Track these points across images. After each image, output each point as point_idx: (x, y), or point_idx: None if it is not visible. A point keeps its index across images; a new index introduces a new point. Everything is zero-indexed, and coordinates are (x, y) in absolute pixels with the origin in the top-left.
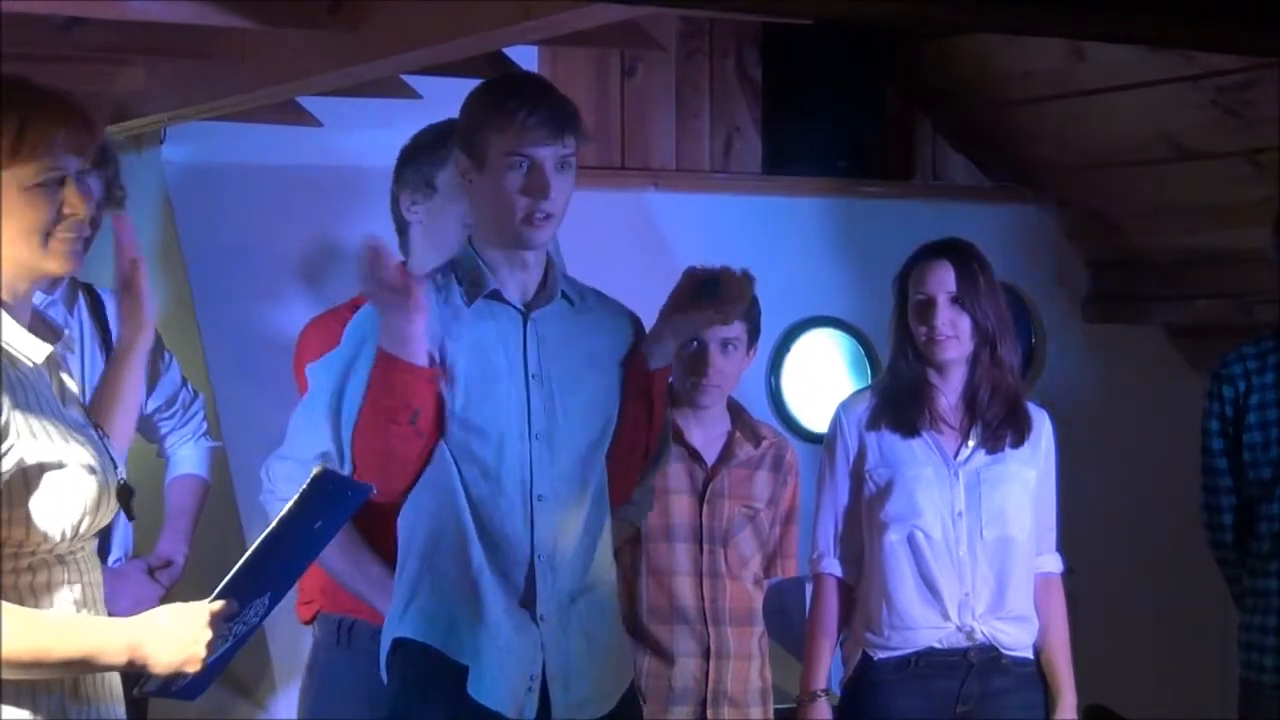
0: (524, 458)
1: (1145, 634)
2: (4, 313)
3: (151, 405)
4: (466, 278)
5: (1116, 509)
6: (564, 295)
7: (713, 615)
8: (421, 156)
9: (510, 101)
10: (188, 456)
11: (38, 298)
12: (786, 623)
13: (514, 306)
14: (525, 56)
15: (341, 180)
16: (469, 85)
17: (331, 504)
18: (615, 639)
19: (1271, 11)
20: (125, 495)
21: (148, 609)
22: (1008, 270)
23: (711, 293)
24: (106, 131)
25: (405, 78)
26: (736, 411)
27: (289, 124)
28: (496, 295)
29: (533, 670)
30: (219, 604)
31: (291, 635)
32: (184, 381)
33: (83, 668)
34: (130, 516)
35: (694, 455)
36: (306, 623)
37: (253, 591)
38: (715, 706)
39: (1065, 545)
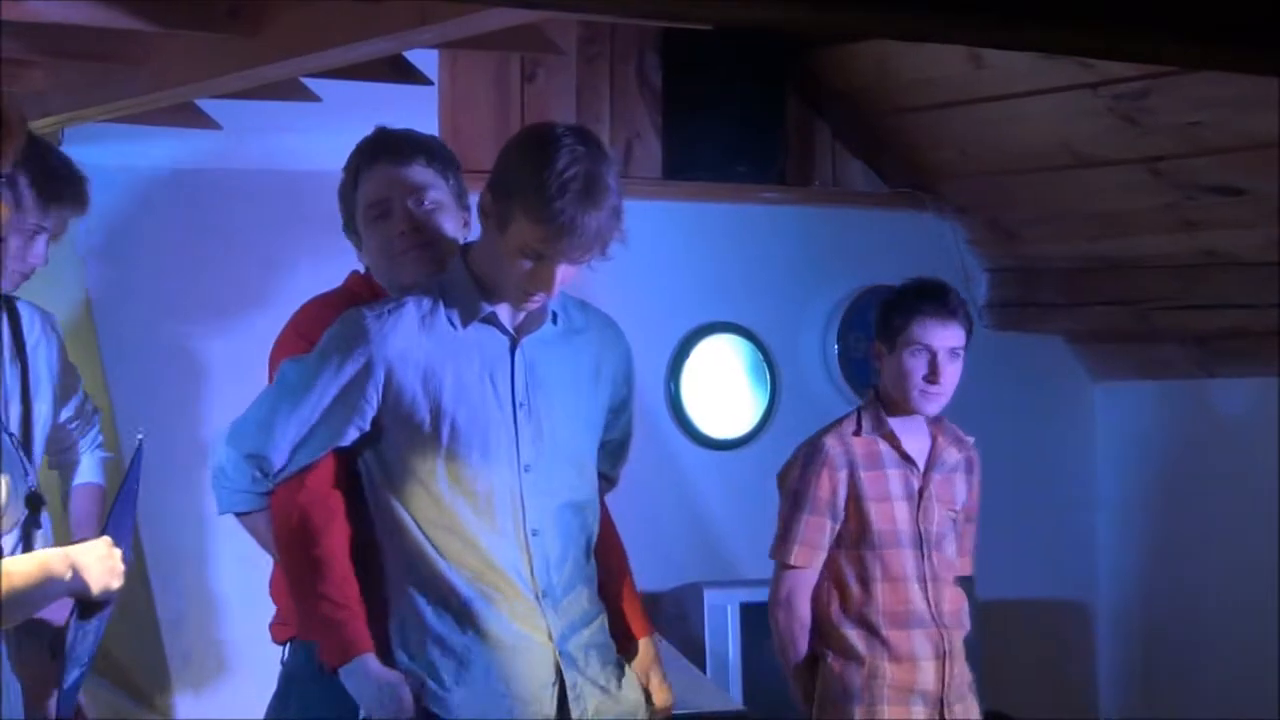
0: (515, 490)
1: (1044, 636)
2: None
3: (64, 415)
4: (459, 301)
5: (1015, 515)
6: (552, 316)
7: (939, 617)
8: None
9: (557, 202)
10: (90, 465)
11: None
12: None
13: (506, 332)
14: (426, 60)
15: (241, 184)
16: (369, 89)
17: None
18: (622, 665)
19: (1166, 18)
20: (35, 502)
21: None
22: (906, 277)
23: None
24: None
25: (305, 81)
26: (937, 416)
27: (189, 127)
28: (491, 319)
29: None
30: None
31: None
32: (84, 392)
33: (43, 589)
34: (37, 524)
35: (908, 461)
36: (280, 643)
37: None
38: (949, 706)
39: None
